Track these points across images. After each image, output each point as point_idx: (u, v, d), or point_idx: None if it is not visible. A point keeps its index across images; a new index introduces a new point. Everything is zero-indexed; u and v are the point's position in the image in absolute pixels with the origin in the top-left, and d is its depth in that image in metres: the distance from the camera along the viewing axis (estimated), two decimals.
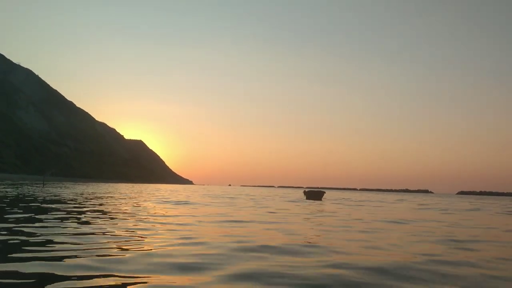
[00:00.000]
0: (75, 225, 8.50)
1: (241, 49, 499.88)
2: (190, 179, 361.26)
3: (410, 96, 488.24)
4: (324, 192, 37.79)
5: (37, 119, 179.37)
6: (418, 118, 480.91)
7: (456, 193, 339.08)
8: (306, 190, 38.61)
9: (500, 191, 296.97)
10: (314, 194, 36.37)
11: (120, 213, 12.23)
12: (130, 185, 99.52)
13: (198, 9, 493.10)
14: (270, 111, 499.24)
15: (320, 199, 35.47)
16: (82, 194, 25.81)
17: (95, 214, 11.34)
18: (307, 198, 35.40)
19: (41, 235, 6.89)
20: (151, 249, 5.94)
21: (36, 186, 39.96)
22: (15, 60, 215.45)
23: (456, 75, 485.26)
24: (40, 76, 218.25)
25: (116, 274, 4.44)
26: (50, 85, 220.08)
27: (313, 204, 23.82)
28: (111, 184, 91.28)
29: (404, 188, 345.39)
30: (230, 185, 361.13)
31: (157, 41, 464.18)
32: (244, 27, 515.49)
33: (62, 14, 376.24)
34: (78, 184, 69.52)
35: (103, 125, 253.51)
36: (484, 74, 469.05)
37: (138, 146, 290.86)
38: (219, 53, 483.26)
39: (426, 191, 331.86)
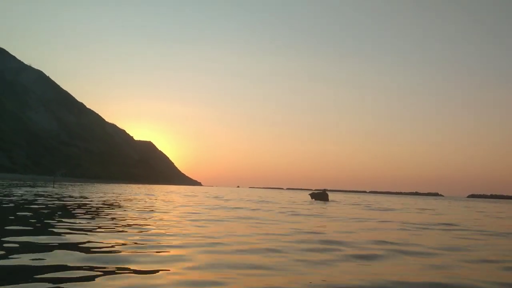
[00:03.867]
0: None
1: (252, 50, 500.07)
2: (198, 181, 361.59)
3: (420, 98, 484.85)
4: (327, 194, 38.00)
5: (47, 120, 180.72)
6: (428, 120, 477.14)
7: (466, 196, 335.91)
8: (315, 192, 39.01)
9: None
10: (320, 196, 36.46)
11: None
12: (142, 186, 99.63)
13: (210, 10, 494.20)
14: (280, 112, 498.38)
15: (327, 200, 35.74)
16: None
17: None
18: (315, 200, 35.65)
19: None
20: None
21: (57, 188, 39.96)
22: (26, 61, 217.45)
23: (467, 76, 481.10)
24: (50, 77, 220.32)
25: None
26: (61, 86, 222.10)
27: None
28: (123, 185, 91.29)
29: (414, 191, 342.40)
30: (238, 186, 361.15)
31: (168, 41, 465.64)
32: (256, 28, 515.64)
33: (73, 15, 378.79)
34: (90, 185, 69.46)
35: (113, 126, 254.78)
36: (496, 76, 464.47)
37: (148, 147, 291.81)
38: (230, 54, 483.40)
39: (436, 194, 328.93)
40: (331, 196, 46.98)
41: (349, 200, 41.83)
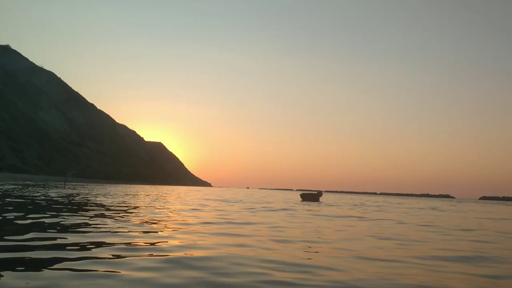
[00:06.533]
0: None
1: (262, 50, 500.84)
2: (208, 181, 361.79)
3: (432, 99, 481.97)
4: (321, 194, 37.42)
5: (58, 121, 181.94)
6: (440, 121, 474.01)
7: (478, 198, 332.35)
8: (305, 192, 39.23)
9: None
10: (310, 196, 36.83)
11: None
12: (155, 187, 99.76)
13: (218, 10, 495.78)
14: (290, 113, 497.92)
15: (318, 201, 35.81)
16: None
17: None
18: (302, 200, 35.85)
19: None
20: None
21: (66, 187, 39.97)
22: (38, 62, 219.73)
23: (478, 77, 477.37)
24: (62, 78, 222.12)
25: None
26: (72, 87, 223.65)
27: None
28: (136, 186, 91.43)
29: (425, 193, 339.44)
30: (248, 187, 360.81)
31: (177, 41, 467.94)
32: (264, 28, 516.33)
33: (84, 17, 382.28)
34: (104, 185, 69.48)
35: (123, 127, 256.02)
36: (508, 77, 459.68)
37: (158, 148, 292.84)
38: (240, 54, 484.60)
39: (447, 196, 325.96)
40: (324, 197, 45.83)
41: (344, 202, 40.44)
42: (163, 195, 34.44)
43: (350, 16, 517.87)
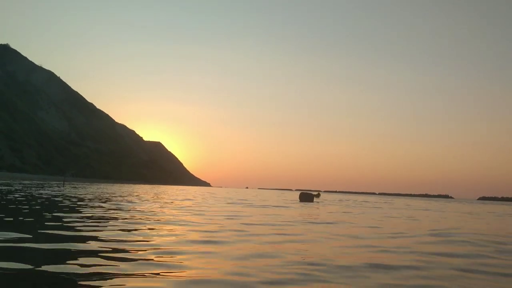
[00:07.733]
0: None
1: (261, 51, 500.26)
2: (207, 181, 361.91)
3: (431, 99, 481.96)
4: (316, 195, 37.62)
5: (58, 120, 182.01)
6: (439, 122, 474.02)
7: (477, 198, 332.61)
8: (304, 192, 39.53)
9: None
10: (307, 197, 37.19)
11: None
12: (155, 186, 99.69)
13: (217, 10, 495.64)
14: (289, 113, 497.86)
15: (312, 201, 36.02)
16: None
17: None
18: (300, 201, 36.03)
19: None
20: None
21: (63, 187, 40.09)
22: (37, 62, 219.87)
23: (478, 77, 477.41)
24: (61, 77, 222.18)
25: None
26: (71, 87, 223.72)
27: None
28: (135, 186, 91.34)
29: (424, 193, 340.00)
30: (247, 187, 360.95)
31: (177, 42, 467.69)
32: (265, 29, 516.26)
33: (84, 17, 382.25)
34: (105, 185, 69.40)
35: (122, 127, 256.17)
36: (508, 76, 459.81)
37: (157, 148, 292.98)
38: (239, 54, 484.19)
39: (446, 196, 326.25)
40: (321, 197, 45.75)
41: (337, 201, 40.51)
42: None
43: (351, 16, 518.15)
